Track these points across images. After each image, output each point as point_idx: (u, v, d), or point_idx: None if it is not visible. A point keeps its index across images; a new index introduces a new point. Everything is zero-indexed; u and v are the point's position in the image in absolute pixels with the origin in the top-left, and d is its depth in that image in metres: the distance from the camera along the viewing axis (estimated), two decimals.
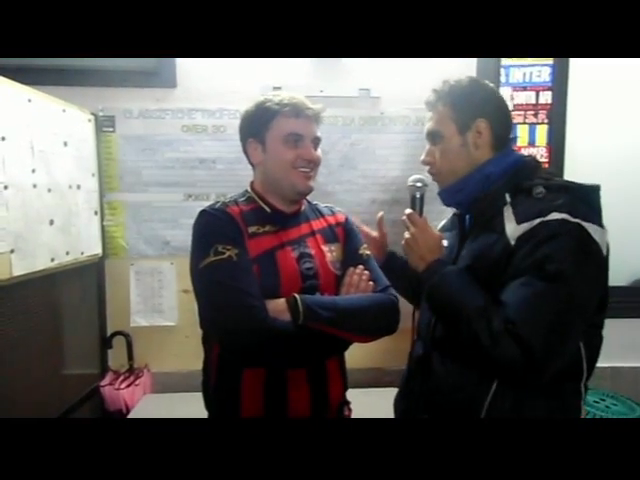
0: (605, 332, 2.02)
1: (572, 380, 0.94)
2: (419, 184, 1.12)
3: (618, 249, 2.00)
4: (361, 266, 1.12)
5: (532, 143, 1.98)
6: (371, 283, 1.10)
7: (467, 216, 1.09)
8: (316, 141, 1.10)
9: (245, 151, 1.13)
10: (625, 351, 1.98)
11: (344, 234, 1.19)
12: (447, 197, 1.10)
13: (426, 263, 1.02)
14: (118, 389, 1.76)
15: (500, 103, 1.05)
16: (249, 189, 1.14)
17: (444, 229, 1.21)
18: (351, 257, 1.15)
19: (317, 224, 1.16)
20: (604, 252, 0.89)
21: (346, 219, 1.22)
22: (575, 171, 1.94)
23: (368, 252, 1.18)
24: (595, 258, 0.87)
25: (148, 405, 1.77)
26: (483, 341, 0.84)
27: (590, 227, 0.86)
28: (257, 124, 1.08)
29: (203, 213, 1.04)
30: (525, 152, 1.97)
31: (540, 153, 1.98)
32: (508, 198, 0.95)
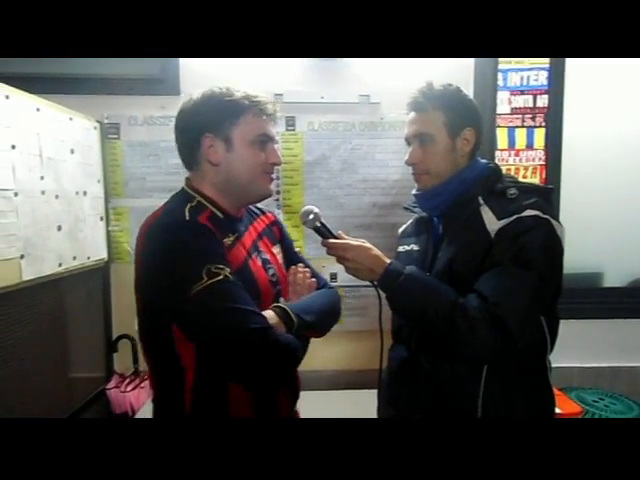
0: (603, 333, 2.06)
1: (540, 355, 1.08)
2: (312, 216, 1.07)
3: (617, 251, 2.05)
4: (301, 264, 1.11)
5: (530, 146, 2.01)
6: (314, 279, 1.09)
7: (435, 219, 1.12)
8: (276, 142, 1.03)
9: (191, 146, 0.97)
10: (623, 351, 2.00)
11: (280, 233, 1.16)
12: (424, 201, 1.13)
13: (380, 270, 1.01)
14: (124, 392, 1.78)
15: (481, 114, 1.13)
16: (190, 191, 0.98)
17: (406, 234, 1.23)
18: (290, 256, 1.14)
19: (257, 226, 1.09)
20: (563, 246, 1.02)
21: (276, 217, 1.19)
22: (574, 177, 1.97)
23: (298, 249, 1.17)
24: (558, 249, 1.00)
25: None
26: (463, 331, 0.92)
27: (555, 224, 0.99)
28: (220, 118, 0.94)
29: (175, 229, 0.88)
30: (523, 155, 2.01)
31: (538, 156, 2.01)
32: (481, 200, 1.03)
